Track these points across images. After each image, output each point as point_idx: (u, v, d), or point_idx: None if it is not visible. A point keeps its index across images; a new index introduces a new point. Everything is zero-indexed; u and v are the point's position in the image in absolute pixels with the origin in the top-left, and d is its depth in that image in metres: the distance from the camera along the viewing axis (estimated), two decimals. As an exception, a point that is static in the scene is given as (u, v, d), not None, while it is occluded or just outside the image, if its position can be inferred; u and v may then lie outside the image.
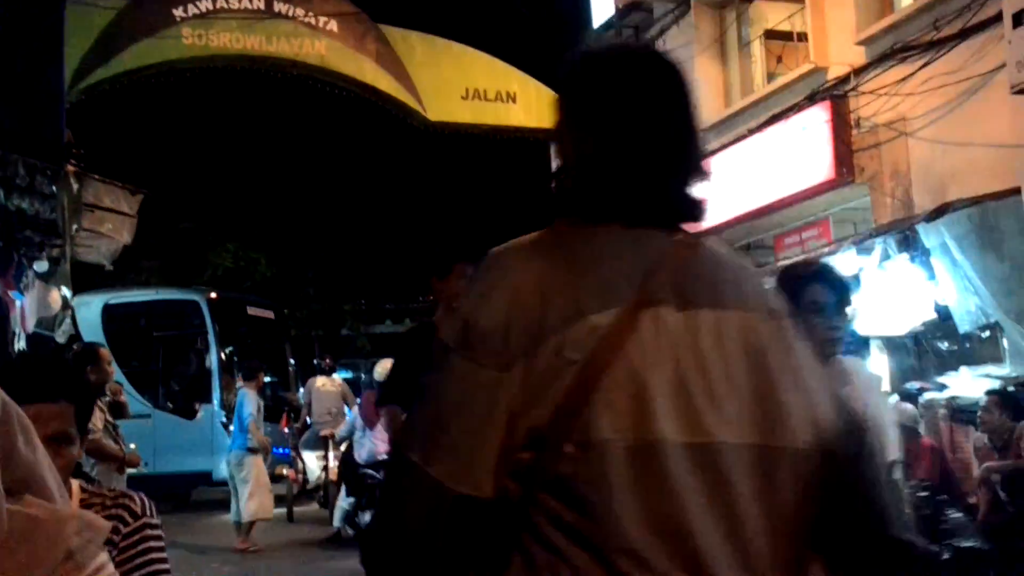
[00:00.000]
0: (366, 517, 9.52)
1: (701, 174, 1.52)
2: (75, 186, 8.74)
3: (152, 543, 1.99)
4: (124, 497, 2.03)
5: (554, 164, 1.59)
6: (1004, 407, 6.52)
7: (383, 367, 10.31)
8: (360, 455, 10.04)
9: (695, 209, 1.51)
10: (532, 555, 1.35)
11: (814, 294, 2.88)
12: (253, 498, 10.11)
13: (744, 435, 1.38)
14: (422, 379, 1.44)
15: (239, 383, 11.48)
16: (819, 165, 9.53)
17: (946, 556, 2.38)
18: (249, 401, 10.29)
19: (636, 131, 1.47)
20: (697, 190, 1.51)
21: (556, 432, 1.33)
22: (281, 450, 13.31)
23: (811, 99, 9.86)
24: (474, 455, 1.35)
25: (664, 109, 1.49)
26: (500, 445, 1.35)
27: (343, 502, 10.51)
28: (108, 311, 15.30)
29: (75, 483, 2.01)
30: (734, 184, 10.68)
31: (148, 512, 2.01)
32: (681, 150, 1.50)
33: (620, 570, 1.31)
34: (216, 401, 14.87)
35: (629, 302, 1.38)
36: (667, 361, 1.37)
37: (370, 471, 9.48)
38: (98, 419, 6.06)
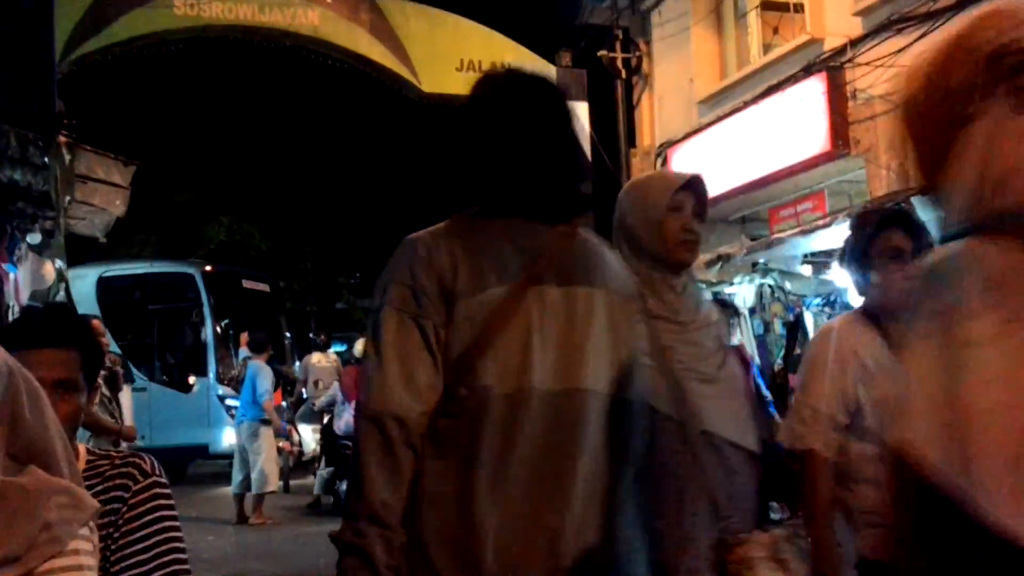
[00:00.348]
0: (343, 486, 9.66)
1: (583, 177, 1.94)
2: (67, 157, 8.68)
3: (162, 500, 2.01)
4: (134, 457, 2.05)
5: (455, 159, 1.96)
6: (997, 379, 6.55)
7: (363, 344, 10.35)
8: (339, 427, 10.39)
9: (578, 205, 1.91)
10: (425, 472, 1.72)
11: (891, 240, 2.67)
12: (267, 468, 10.14)
13: (604, 386, 1.79)
14: (375, 341, 1.78)
15: (245, 351, 11.46)
16: (815, 137, 9.50)
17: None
18: (264, 375, 10.24)
19: (529, 147, 1.84)
20: (580, 190, 1.92)
21: (456, 377, 1.73)
22: (276, 423, 13.33)
23: (807, 71, 9.80)
24: (434, 391, 1.73)
25: (552, 129, 1.87)
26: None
27: (323, 471, 10.91)
28: (103, 284, 15.25)
29: (82, 446, 2.02)
30: (729, 156, 10.65)
31: (157, 471, 2.03)
32: (565, 160, 1.88)
33: (475, 491, 1.68)
34: (212, 374, 14.87)
35: (520, 279, 1.76)
36: (548, 327, 1.75)
37: (348, 442, 9.57)
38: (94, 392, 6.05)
